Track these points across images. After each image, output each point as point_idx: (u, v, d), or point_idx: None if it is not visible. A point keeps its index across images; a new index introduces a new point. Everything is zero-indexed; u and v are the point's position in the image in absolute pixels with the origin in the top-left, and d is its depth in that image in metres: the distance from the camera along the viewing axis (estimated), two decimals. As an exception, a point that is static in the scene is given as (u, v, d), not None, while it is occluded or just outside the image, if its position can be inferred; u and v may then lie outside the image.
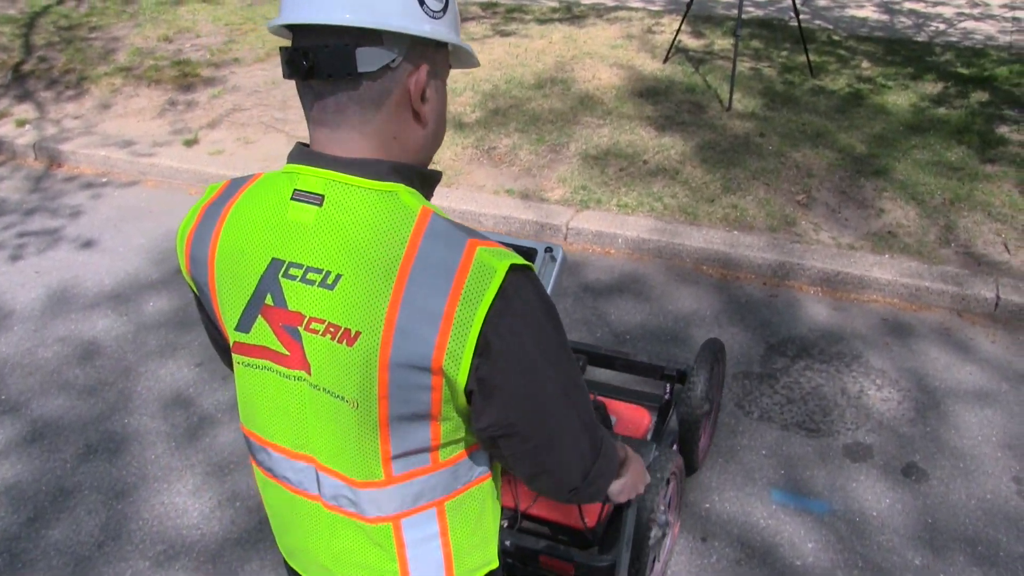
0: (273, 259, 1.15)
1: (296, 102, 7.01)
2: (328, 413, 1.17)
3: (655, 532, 2.68)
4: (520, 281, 1.09)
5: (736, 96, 6.45)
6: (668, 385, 3.37)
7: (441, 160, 6.04)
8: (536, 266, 1.99)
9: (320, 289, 1.11)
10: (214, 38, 8.73)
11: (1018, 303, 4.39)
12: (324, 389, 1.15)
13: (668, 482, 2.82)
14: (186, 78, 7.66)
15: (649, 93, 6.69)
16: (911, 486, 3.41)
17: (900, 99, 6.57)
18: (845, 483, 3.42)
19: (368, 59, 1.08)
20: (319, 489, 1.25)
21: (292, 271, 1.13)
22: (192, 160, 6.38)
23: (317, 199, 1.12)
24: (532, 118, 6.39)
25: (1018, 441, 3.62)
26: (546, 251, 2.05)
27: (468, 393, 1.10)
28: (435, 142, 1.24)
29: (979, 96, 6.63)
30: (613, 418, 3.11)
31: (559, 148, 6.04)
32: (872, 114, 6.30)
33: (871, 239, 4.93)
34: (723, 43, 7.79)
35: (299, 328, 1.14)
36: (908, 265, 4.68)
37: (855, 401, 3.86)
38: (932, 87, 6.81)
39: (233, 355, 1.26)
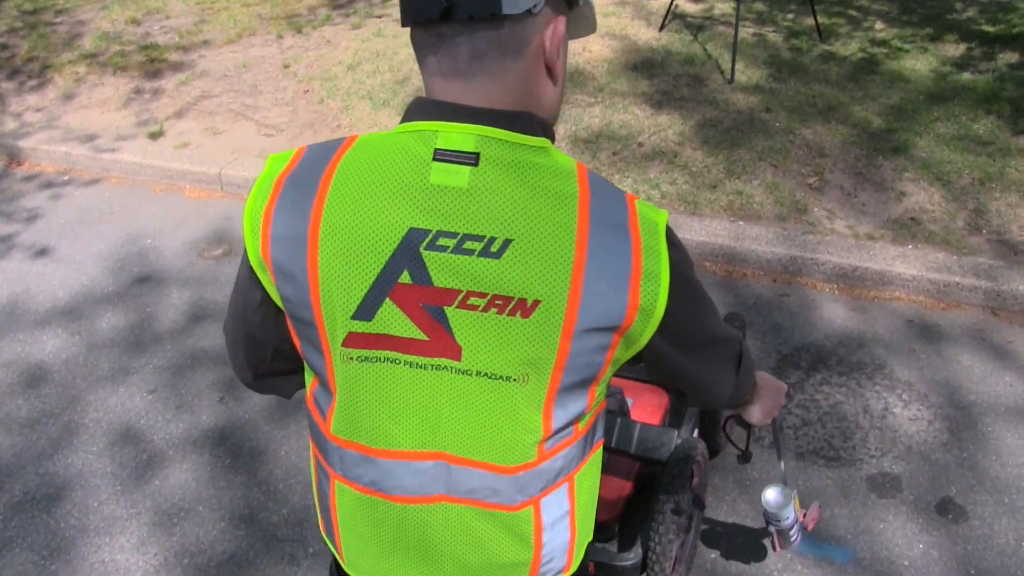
0: (411, 230, 1.04)
1: (267, 87, 6.54)
2: (477, 399, 1.11)
3: (680, 524, 2.55)
4: (669, 228, 1.12)
5: (739, 67, 5.92)
6: None
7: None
8: None
9: (482, 259, 1.04)
10: (184, 19, 8.22)
11: (1060, 299, 3.92)
12: (479, 372, 1.09)
13: (692, 472, 2.64)
14: (153, 64, 7.17)
15: (644, 66, 6.17)
16: (947, 527, 2.97)
17: (919, 64, 6.02)
18: (871, 524, 2.99)
19: (512, 2, 1.02)
20: (447, 488, 1.17)
21: (442, 241, 1.04)
22: (156, 155, 5.94)
23: (471, 158, 1.05)
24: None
25: (1068, 468, 3.18)
26: None
27: (650, 345, 1.11)
28: (561, 103, 1.20)
29: (1008, 57, 6.05)
30: (630, 400, 2.99)
31: (547, 131, 5.54)
32: (888, 82, 5.76)
33: (892, 227, 4.44)
34: (724, 7, 7.22)
35: (448, 307, 1.06)
36: (934, 257, 4.19)
37: (879, 422, 3.41)
38: (954, 49, 6.23)
39: (341, 351, 1.12)
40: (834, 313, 4.07)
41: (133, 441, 3.59)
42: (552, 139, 1.14)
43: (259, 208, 1.11)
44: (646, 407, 3.04)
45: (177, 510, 3.24)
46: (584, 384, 1.12)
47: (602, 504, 2.60)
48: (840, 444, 3.32)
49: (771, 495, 2.36)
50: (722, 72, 5.92)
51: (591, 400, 1.15)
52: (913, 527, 2.97)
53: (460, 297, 1.05)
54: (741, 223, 4.57)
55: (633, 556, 2.48)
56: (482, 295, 1.04)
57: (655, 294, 1.06)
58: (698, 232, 4.51)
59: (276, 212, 1.09)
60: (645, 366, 1.20)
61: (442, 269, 1.05)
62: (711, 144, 5.18)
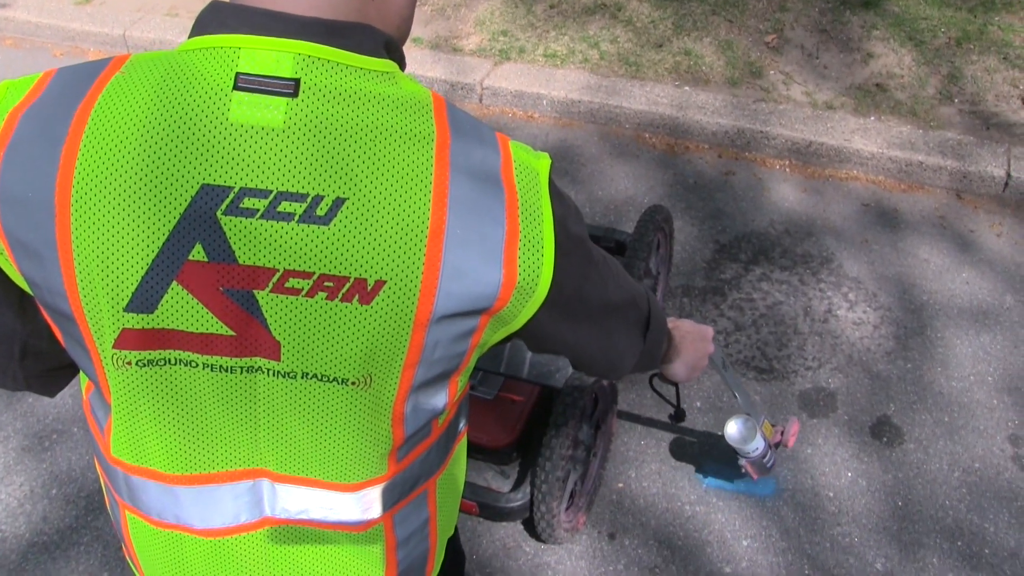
0: (204, 187, 0.74)
1: None
2: (304, 405, 0.84)
3: (573, 459, 2.32)
4: (551, 178, 0.88)
5: (701, -101, 5.21)
6: None
7: None
8: None
9: (304, 226, 0.75)
10: None
11: (1033, 182, 3.49)
12: (305, 374, 0.82)
13: (595, 400, 2.41)
14: None
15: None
16: (880, 452, 2.67)
17: None
18: (798, 449, 2.69)
19: None
20: (271, 508, 0.93)
21: (247, 202, 0.75)
22: (55, 13, 5.27)
23: (287, 86, 0.75)
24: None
25: (1020, 382, 2.85)
26: None
27: (530, 323, 0.87)
28: (412, 18, 0.91)
29: None
30: None
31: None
32: (868, -81, 5.09)
33: (854, 94, 3.95)
34: None
35: (259, 292, 0.78)
36: (898, 131, 3.73)
37: (820, 326, 3.06)
38: None
39: (113, 354, 0.82)
40: (783, 195, 3.64)
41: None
42: (401, 63, 0.87)
43: None
44: None
45: (49, 432, 2.89)
46: (442, 378, 0.88)
47: (499, 427, 2.43)
48: (774, 353, 2.98)
49: (732, 429, 2.17)
50: (680, -94, 5.21)
51: (452, 394, 0.92)
52: (843, 453, 2.67)
53: (276, 278, 0.78)
54: (687, 89, 4.06)
55: (521, 496, 2.27)
56: (306, 275, 0.77)
57: (536, 267, 0.83)
58: (638, 99, 4.00)
59: (6, 164, 0.76)
60: (524, 341, 0.97)
61: (249, 241, 0.76)
62: (660, -6, 4.58)
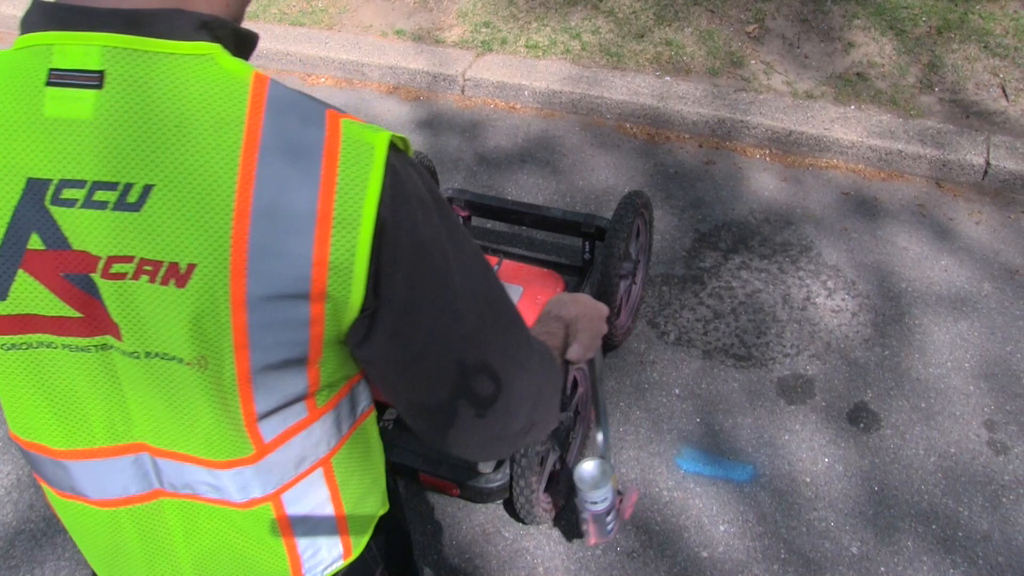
0: (30, 180, 0.79)
1: None
2: (158, 383, 0.85)
3: (555, 436, 2.35)
4: (404, 159, 0.84)
5: None
6: (586, 244, 2.92)
7: (321, -10, 4.91)
8: None
9: (118, 213, 0.78)
10: None
11: (1012, 170, 3.50)
12: (148, 353, 0.83)
13: (574, 380, 2.42)
14: None
15: None
16: (857, 438, 2.68)
17: None
18: (776, 435, 2.69)
19: None
20: (159, 481, 0.94)
21: (67, 193, 0.78)
22: (25, 4, 5.25)
23: (92, 78, 0.77)
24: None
25: (996, 368, 2.86)
26: None
27: (365, 316, 0.82)
28: None
29: None
30: (519, 288, 2.72)
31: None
32: (850, -91, 5.09)
33: (835, 84, 3.95)
34: None
35: (93, 275, 0.80)
36: (879, 120, 3.74)
37: (799, 314, 3.07)
38: None
39: None
40: (763, 184, 3.64)
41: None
42: (237, 38, 0.86)
43: None
44: (538, 293, 2.72)
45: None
46: (292, 365, 0.85)
47: None
48: (753, 340, 2.98)
49: (587, 468, 1.90)
50: None
51: (313, 380, 0.89)
52: (821, 438, 2.68)
53: (101, 264, 0.80)
54: (668, 79, 4.06)
55: (501, 477, 2.27)
56: (127, 259, 0.79)
57: (351, 246, 0.78)
58: (619, 89, 4.00)
59: None
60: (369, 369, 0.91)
61: (76, 227, 0.79)
62: (643, -16, 4.57)
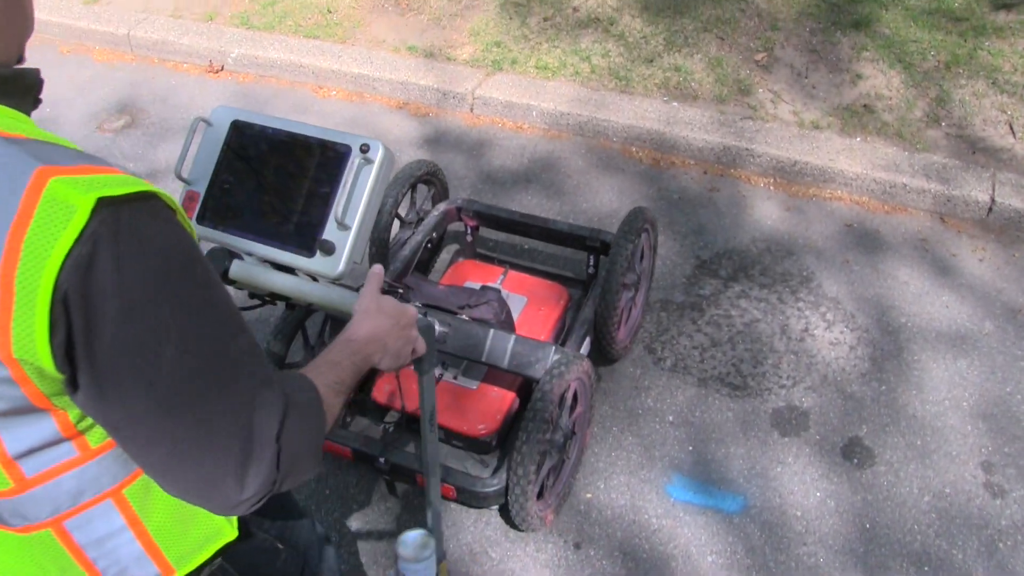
0: None
1: None
2: None
3: (548, 449, 2.33)
4: (122, 219, 0.80)
5: (698, -84, 5.22)
6: (591, 258, 2.97)
7: (339, 8, 4.93)
8: (346, 171, 1.54)
9: None
10: None
11: (1017, 208, 3.49)
12: None
13: (574, 392, 2.43)
14: None
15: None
16: (850, 473, 2.65)
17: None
18: (768, 467, 2.67)
19: None
20: None
21: None
22: (63, 10, 5.29)
23: None
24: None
25: (995, 408, 2.83)
26: (361, 150, 1.54)
27: (67, 379, 0.82)
28: (10, 37, 0.91)
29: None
30: (523, 297, 2.81)
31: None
32: (863, -59, 5.10)
33: (841, 115, 3.94)
34: None
35: None
36: (884, 153, 3.73)
37: (796, 345, 3.05)
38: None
39: None
40: (766, 213, 3.63)
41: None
42: None
43: None
44: (541, 307, 2.77)
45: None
46: (24, 412, 0.86)
47: (480, 416, 2.48)
48: (749, 370, 2.96)
49: (410, 537, 1.72)
50: (677, -77, 5.22)
51: (63, 425, 0.89)
52: (813, 472, 2.65)
53: None
54: (675, 104, 4.06)
55: (497, 482, 2.29)
56: None
57: (29, 315, 0.78)
58: (626, 113, 4.00)
59: None
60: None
61: None
62: (653, 11, 4.57)
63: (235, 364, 0.91)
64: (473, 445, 2.55)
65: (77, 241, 0.78)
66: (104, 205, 0.79)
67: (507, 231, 3.10)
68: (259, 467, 0.91)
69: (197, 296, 0.87)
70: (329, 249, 1.52)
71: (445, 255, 3.40)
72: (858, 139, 3.80)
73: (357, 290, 1.48)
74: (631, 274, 2.80)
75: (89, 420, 0.90)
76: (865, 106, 3.96)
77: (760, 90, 4.10)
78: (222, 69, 4.83)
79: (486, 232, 3.47)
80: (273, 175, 1.60)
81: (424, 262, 3.14)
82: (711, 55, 4.28)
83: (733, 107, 4.02)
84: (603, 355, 2.87)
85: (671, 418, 2.82)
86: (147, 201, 0.84)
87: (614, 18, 4.54)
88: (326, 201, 1.54)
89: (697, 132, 3.86)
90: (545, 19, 4.59)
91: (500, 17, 4.67)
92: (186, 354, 0.86)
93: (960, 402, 2.85)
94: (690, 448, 2.73)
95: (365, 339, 1.22)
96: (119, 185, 0.81)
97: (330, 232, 1.52)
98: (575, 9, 4.61)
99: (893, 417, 2.81)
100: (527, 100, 4.14)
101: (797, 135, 3.83)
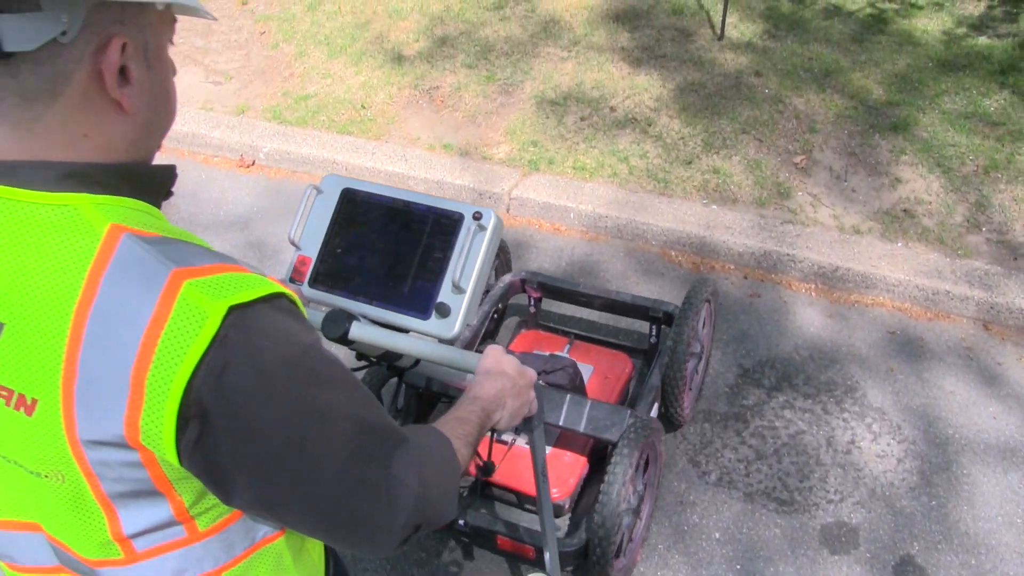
0: None
1: (221, 25, 6.03)
2: (29, 487, 0.92)
3: (625, 510, 2.39)
4: (251, 322, 0.86)
5: (732, 19, 5.35)
6: (653, 328, 3.10)
7: (374, 104, 5.08)
8: (461, 237, 1.64)
9: None
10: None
11: (1062, 316, 3.47)
12: (13, 462, 0.90)
13: (645, 455, 2.52)
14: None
15: (627, 16, 5.59)
16: (904, 596, 2.60)
17: (932, 24, 5.41)
18: (818, 588, 2.63)
19: (18, 33, 0.80)
20: (60, 560, 1.00)
21: None
22: None
23: None
24: (484, 49, 5.35)
25: (1050, 527, 2.78)
26: (474, 217, 1.64)
27: (192, 471, 0.87)
28: (155, 132, 0.98)
29: (1031, 18, 5.47)
30: (589, 366, 2.92)
31: (512, 88, 5.02)
32: (895, 45, 5.19)
33: (882, 219, 3.97)
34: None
35: None
36: (926, 259, 3.74)
37: (843, 458, 3.02)
38: (973, 6, 5.62)
39: None
40: (808, 319, 3.64)
41: None
42: (133, 179, 0.95)
43: None
44: (607, 375, 2.90)
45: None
46: (145, 495, 0.90)
47: (554, 481, 2.54)
48: (795, 484, 2.94)
49: None
50: (712, 26, 5.36)
51: (178, 509, 0.93)
52: (865, 595, 2.61)
53: None
54: (715, 207, 4.11)
55: (577, 541, 2.37)
56: None
57: (159, 416, 0.83)
58: (666, 216, 4.06)
59: None
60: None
61: None
62: (691, 112, 4.67)
63: (372, 432, 0.96)
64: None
65: (209, 348, 0.82)
66: (235, 310, 0.84)
67: (571, 302, 3.25)
68: (406, 517, 0.97)
69: (327, 380, 0.92)
70: (445, 311, 1.61)
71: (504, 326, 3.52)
72: (899, 244, 3.82)
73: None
74: (696, 342, 2.94)
75: (201, 506, 0.94)
76: (905, 210, 3.99)
77: (799, 193, 4.14)
78: (253, 164, 4.91)
79: (548, 304, 3.61)
80: (385, 241, 1.69)
81: (490, 332, 3.29)
82: (750, 157, 4.35)
83: (773, 210, 4.06)
84: (668, 421, 2.96)
85: (718, 535, 2.80)
86: (274, 301, 0.89)
87: (652, 119, 4.63)
88: (441, 266, 1.63)
89: (737, 236, 3.91)
90: (582, 119, 4.69)
91: (536, 116, 4.78)
92: (331, 438, 0.91)
93: (1014, 518, 2.81)
94: (738, 567, 2.70)
95: (491, 398, 1.30)
96: (248, 288, 0.86)
97: (445, 295, 1.61)
98: (612, 109, 4.72)
99: (945, 534, 2.77)
100: (564, 201, 4.21)
101: (838, 240, 3.86)
